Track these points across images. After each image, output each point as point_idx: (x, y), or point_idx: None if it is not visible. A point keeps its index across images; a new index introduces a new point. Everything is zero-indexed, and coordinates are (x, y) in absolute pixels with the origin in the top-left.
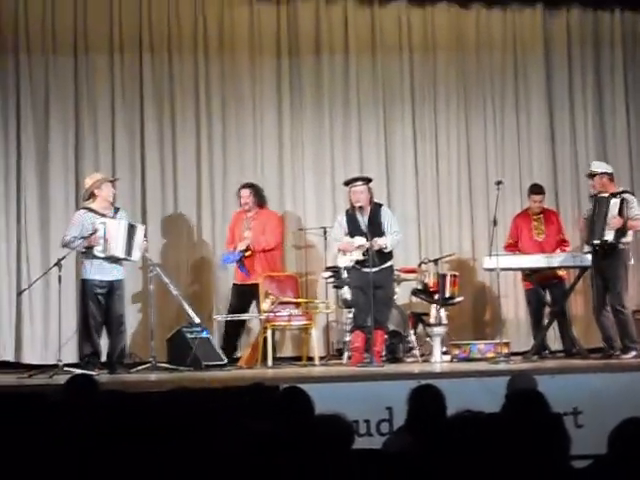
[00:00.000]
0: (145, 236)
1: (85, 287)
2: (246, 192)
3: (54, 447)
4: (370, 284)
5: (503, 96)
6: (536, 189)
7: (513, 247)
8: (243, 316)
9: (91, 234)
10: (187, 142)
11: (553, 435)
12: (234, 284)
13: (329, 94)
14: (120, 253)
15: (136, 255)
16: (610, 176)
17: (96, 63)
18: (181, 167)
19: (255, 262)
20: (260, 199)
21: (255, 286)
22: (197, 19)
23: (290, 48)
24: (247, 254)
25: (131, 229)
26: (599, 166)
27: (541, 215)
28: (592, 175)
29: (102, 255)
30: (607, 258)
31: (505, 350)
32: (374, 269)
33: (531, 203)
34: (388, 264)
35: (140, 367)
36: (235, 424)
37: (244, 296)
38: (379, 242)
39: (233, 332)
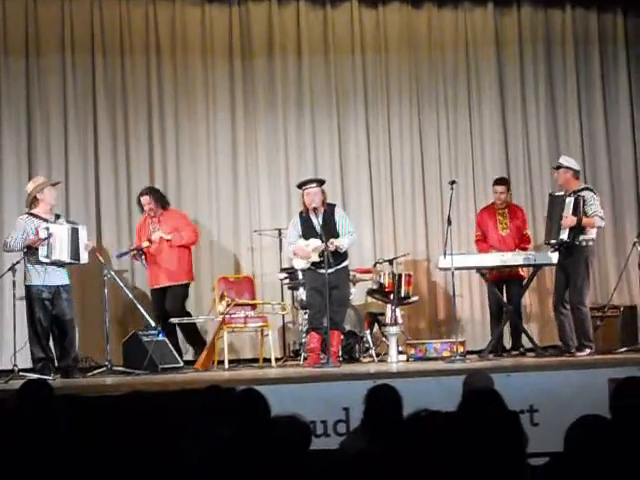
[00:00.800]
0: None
1: (30, 293)
2: (147, 199)
3: (9, 453)
4: (326, 285)
5: (456, 95)
6: (498, 180)
7: (483, 241)
8: (200, 319)
9: (43, 239)
10: (140, 145)
11: (510, 433)
12: (150, 289)
13: (282, 96)
14: (65, 257)
15: (84, 257)
16: (575, 173)
17: (48, 65)
18: (135, 170)
19: (163, 264)
20: (162, 201)
21: (166, 289)
22: (149, 20)
23: (242, 50)
24: (145, 245)
25: (74, 232)
26: (566, 160)
27: (506, 209)
28: (558, 167)
29: (46, 260)
30: (569, 255)
31: (461, 349)
32: (330, 270)
33: (494, 195)
34: (343, 265)
35: (96, 371)
36: (192, 427)
37: (159, 299)
38: (335, 243)
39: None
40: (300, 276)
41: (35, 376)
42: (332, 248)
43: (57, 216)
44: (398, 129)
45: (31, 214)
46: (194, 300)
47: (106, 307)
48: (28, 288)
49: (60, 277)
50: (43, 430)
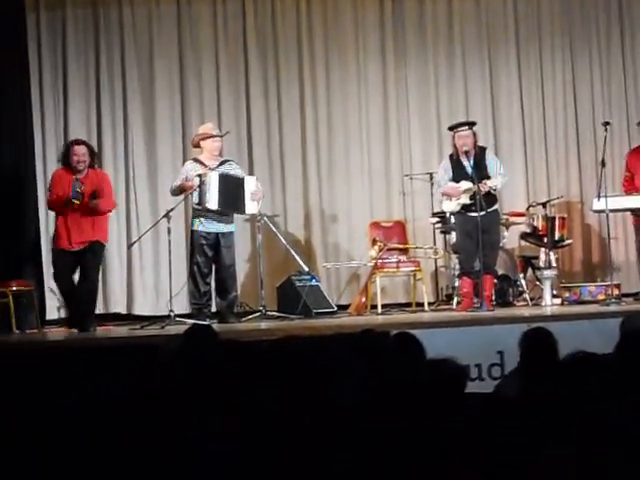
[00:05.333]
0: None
1: (192, 238)
2: (82, 149)
3: (167, 397)
4: (477, 228)
5: (608, 35)
6: None
7: (630, 182)
8: (353, 263)
9: (195, 186)
10: (291, 89)
11: None
12: (60, 249)
13: (433, 38)
14: (213, 206)
15: (250, 207)
16: None
17: (199, 12)
18: (286, 115)
19: (82, 226)
20: (92, 159)
21: (78, 254)
22: None
23: None
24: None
25: (227, 180)
26: None
27: None
28: None
29: (197, 207)
30: None
31: (616, 292)
32: (480, 213)
33: None
34: (494, 208)
35: (250, 316)
36: (347, 371)
37: (69, 264)
38: (489, 183)
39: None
40: (452, 220)
41: (191, 321)
42: (485, 189)
43: (223, 162)
44: (550, 70)
45: (195, 159)
46: (347, 245)
47: (260, 252)
48: (192, 233)
49: (221, 225)
50: (207, 374)
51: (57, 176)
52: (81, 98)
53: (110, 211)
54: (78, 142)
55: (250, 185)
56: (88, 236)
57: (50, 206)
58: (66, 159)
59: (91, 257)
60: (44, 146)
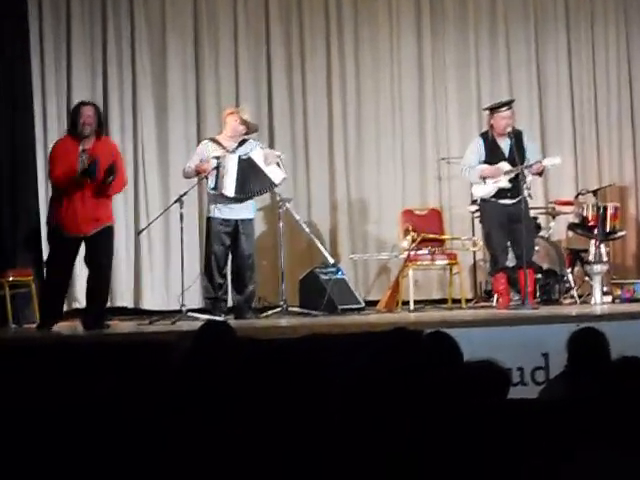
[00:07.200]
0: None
1: (209, 226)
2: (90, 110)
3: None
4: (510, 217)
5: None
6: None
7: None
8: (382, 255)
9: (210, 169)
10: (317, 66)
11: None
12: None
13: (474, 12)
14: (229, 192)
15: (275, 176)
16: None
17: None
18: (311, 94)
19: (92, 207)
20: (100, 126)
21: (86, 240)
22: None
23: None
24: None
25: (244, 163)
26: None
27: None
28: None
29: (212, 192)
30: None
31: None
32: (512, 201)
33: None
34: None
35: (270, 312)
36: (374, 373)
37: (73, 252)
38: (545, 162)
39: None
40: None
41: (204, 317)
42: (540, 169)
43: (242, 142)
44: (603, 47)
45: (212, 139)
46: (377, 235)
47: (281, 242)
48: (207, 220)
49: (241, 210)
50: (221, 374)
51: (60, 146)
52: (86, 72)
53: (121, 191)
54: (85, 103)
55: (258, 156)
56: (99, 219)
57: (56, 183)
58: (73, 124)
59: (105, 243)
60: (44, 117)
